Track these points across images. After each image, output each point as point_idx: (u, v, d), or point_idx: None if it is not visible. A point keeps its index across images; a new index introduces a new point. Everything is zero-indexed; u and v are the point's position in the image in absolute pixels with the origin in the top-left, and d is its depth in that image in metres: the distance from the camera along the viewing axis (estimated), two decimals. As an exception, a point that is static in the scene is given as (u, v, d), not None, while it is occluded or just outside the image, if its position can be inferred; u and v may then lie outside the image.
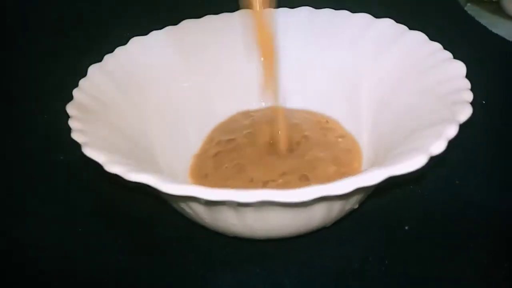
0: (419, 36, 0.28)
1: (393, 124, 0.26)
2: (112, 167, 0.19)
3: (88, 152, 0.20)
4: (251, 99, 0.34)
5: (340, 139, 0.30)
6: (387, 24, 0.30)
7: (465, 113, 0.20)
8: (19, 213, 0.28)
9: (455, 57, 0.26)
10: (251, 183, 0.26)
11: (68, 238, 0.26)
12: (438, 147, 0.19)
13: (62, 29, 0.42)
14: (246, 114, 0.33)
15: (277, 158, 0.28)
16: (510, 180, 0.29)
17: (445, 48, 0.27)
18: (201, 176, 0.28)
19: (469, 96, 0.22)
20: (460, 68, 0.24)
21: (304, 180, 0.26)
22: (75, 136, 0.21)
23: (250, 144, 0.29)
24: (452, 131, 0.19)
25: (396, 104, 0.26)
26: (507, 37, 0.42)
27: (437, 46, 0.27)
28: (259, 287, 0.23)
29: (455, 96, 0.22)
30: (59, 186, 0.30)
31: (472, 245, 0.25)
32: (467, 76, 0.24)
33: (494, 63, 0.39)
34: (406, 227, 0.26)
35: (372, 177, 0.17)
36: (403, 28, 0.29)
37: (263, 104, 0.34)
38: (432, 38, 0.28)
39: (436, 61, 0.26)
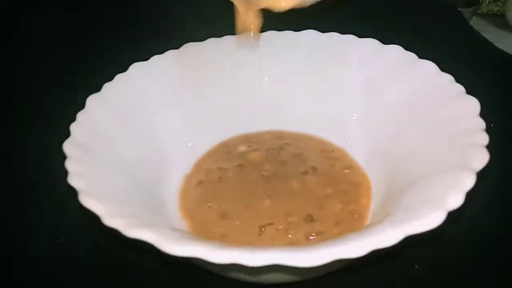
0: (430, 67, 0.27)
1: (404, 161, 0.25)
2: (112, 221, 0.17)
3: (85, 201, 0.18)
4: (253, 122, 0.33)
5: (346, 171, 0.29)
6: (396, 51, 0.29)
7: (482, 160, 0.19)
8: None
9: (458, 73, 0.25)
10: (239, 229, 0.25)
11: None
12: (456, 201, 0.18)
13: (59, 55, 0.40)
14: (245, 138, 0.32)
15: (277, 198, 0.27)
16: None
17: (449, 63, 0.25)
18: (189, 207, 0.27)
19: (485, 139, 0.21)
20: (473, 105, 0.23)
21: (310, 221, 0.25)
22: (72, 181, 0.20)
23: (238, 182, 0.28)
24: (469, 183, 0.18)
25: (407, 139, 0.26)
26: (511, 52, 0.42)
27: (449, 78, 0.26)
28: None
29: (470, 139, 0.21)
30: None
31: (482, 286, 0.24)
32: (472, 94, 0.23)
33: (499, 79, 0.38)
34: (416, 266, 0.25)
35: (388, 239, 0.16)
36: (412, 56, 0.28)
37: (264, 128, 0.33)
38: (436, 53, 0.27)
39: (448, 96, 0.25)
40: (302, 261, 0.16)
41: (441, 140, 0.23)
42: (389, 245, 0.16)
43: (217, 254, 0.16)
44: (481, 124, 0.22)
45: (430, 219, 0.17)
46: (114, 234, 0.18)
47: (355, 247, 0.16)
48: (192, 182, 0.29)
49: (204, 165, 0.30)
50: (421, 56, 0.28)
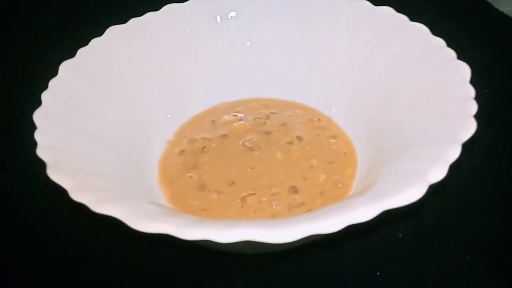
0: (421, 30, 0.25)
1: (390, 130, 0.24)
2: (79, 196, 0.17)
3: (52, 175, 0.18)
4: (239, 89, 0.32)
5: (332, 140, 0.28)
6: (386, 13, 0.27)
7: (469, 131, 0.19)
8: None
9: (456, 35, 0.24)
10: (220, 201, 0.24)
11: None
12: (439, 174, 0.17)
13: (34, 18, 0.38)
14: (231, 106, 0.31)
15: (260, 169, 0.26)
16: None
17: (444, 26, 0.24)
18: (168, 177, 0.26)
19: (473, 108, 0.20)
20: (464, 71, 0.22)
21: (293, 192, 0.24)
22: (40, 153, 0.19)
23: (221, 153, 0.27)
24: (453, 155, 0.18)
25: (394, 107, 0.25)
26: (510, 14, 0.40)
27: (440, 42, 0.24)
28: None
29: (458, 108, 0.20)
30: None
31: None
32: (466, 58, 0.22)
33: (497, 41, 0.36)
34: (400, 235, 0.25)
35: (364, 214, 0.16)
36: (403, 19, 0.27)
37: (251, 96, 0.32)
38: (433, 13, 0.25)
39: (437, 61, 0.23)
40: (273, 238, 0.15)
41: (428, 109, 0.22)
42: (365, 220, 0.16)
43: (185, 232, 0.15)
44: (471, 92, 0.21)
45: (409, 193, 0.16)
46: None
47: (328, 223, 0.15)
48: (174, 151, 0.28)
49: (187, 134, 0.29)
50: (414, 19, 0.27)
